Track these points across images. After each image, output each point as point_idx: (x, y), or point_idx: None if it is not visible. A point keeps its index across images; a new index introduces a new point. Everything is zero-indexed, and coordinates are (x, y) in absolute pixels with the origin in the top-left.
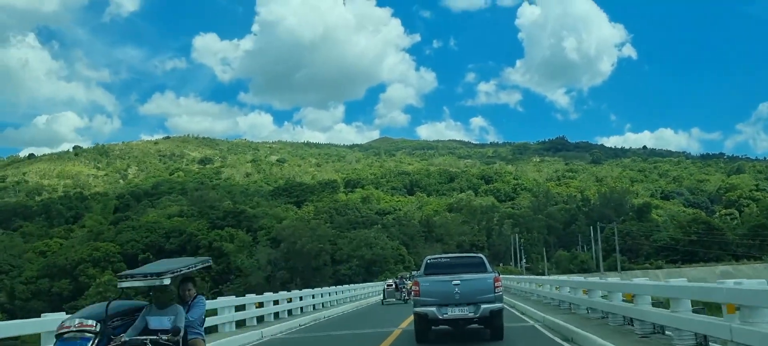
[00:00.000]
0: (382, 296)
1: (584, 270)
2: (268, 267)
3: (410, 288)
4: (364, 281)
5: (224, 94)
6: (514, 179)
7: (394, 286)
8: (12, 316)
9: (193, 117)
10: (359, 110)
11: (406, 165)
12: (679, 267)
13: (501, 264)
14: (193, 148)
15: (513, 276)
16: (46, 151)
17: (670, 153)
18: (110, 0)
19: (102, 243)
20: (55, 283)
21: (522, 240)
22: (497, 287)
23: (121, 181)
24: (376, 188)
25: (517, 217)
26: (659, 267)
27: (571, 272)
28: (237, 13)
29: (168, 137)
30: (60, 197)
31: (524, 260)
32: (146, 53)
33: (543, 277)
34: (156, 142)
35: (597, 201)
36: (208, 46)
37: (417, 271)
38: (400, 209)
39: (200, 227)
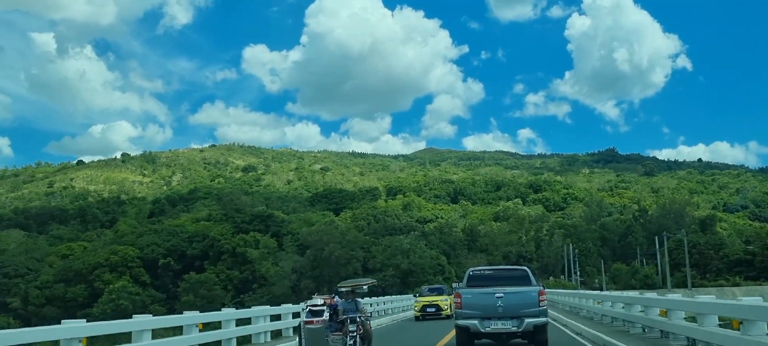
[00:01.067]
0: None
1: (647, 286)
2: (294, 276)
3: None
4: (400, 292)
5: (272, 104)
6: (564, 188)
7: (322, 310)
8: (26, 322)
9: (242, 127)
10: (406, 121)
11: (451, 174)
12: (760, 285)
13: (550, 277)
14: (238, 156)
15: (561, 290)
16: (97, 158)
17: (727, 166)
18: (164, 12)
19: (120, 247)
20: (70, 288)
21: (575, 251)
22: (542, 300)
23: (165, 187)
24: (418, 196)
25: (568, 227)
26: (736, 284)
27: (632, 287)
28: (286, 25)
29: (214, 145)
30: (97, 202)
31: (578, 274)
32: (198, 64)
33: (602, 292)
34: (201, 150)
35: (655, 212)
36: (257, 57)
37: (457, 283)
38: (442, 218)
39: (224, 231)
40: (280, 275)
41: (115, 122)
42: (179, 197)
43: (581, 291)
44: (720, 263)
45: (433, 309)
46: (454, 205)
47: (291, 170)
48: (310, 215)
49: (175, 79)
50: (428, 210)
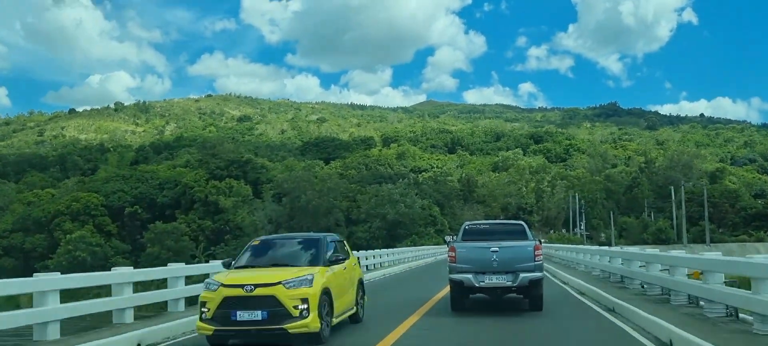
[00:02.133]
0: None
1: (661, 241)
2: (269, 226)
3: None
4: (387, 246)
5: (272, 55)
6: (566, 139)
7: None
8: None
9: (241, 78)
10: (407, 74)
11: (449, 126)
12: None
13: (552, 231)
14: (234, 106)
15: (564, 245)
16: (90, 108)
17: (730, 121)
18: None
19: (84, 194)
20: (28, 238)
21: (582, 202)
22: (537, 255)
23: (158, 137)
24: (414, 146)
25: (571, 178)
26: (760, 239)
27: (644, 242)
28: None
29: (210, 96)
30: (80, 149)
31: (583, 227)
32: (196, 14)
33: (613, 248)
34: (197, 100)
35: (663, 163)
36: (256, 6)
37: (450, 236)
38: (438, 168)
39: (197, 177)
40: (255, 226)
41: (113, 73)
42: (164, 145)
43: (587, 246)
44: (736, 217)
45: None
46: (452, 155)
47: (287, 121)
48: (294, 162)
49: (173, 29)
50: (424, 160)
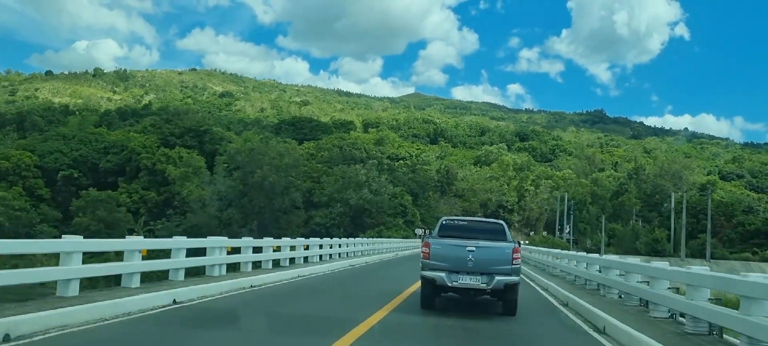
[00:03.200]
0: None
1: (656, 252)
2: (219, 203)
3: None
4: (349, 235)
5: (263, 36)
6: (552, 139)
7: None
8: None
9: (230, 56)
10: (397, 65)
11: (434, 118)
12: None
13: (532, 232)
14: (218, 82)
15: (550, 249)
16: (68, 71)
17: (713, 138)
18: None
19: (15, 152)
20: None
21: (573, 203)
22: (515, 258)
23: (134, 106)
24: (395, 132)
25: (557, 178)
26: (766, 259)
27: (636, 252)
28: None
29: (194, 70)
30: (42, 109)
31: (571, 232)
32: None
33: (605, 257)
34: (180, 73)
35: (652, 171)
36: None
37: (422, 230)
38: (416, 156)
39: (146, 143)
40: (202, 201)
41: (101, 40)
42: (132, 112)
43: (576, 253)
44: (732, 233)
45: None
46: (433, 146)
47: (269, 100)
48: (253, 134)
49: (165, 1)
50: (403, 148)
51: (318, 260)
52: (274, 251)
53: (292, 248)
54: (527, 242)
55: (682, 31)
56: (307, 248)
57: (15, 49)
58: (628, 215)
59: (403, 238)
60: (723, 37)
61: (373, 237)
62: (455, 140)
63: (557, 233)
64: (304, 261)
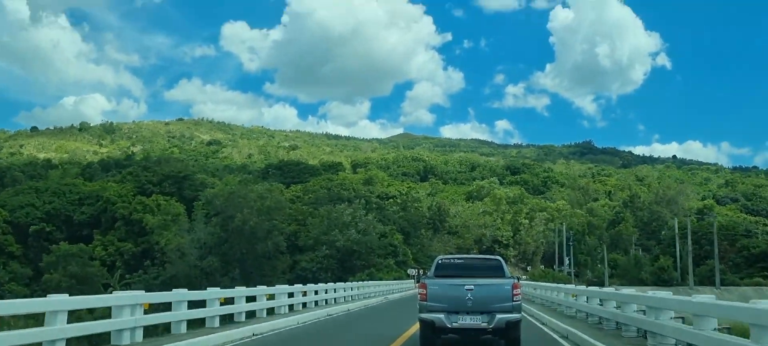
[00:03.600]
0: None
1: (663, 282)
2: (197, 251)
3: None
4: (339, 279)
5: (250, 84)
6: (544, 171)
7: None
8: None
9: (218, 105)
10: (385, 107)
11: (423, 156)
12: None
13: (529, 267)
14: (205, 131)
15: (550, 285)
16: (53, 126)
17: (702, 164)
18: None
19: None
20: None
21: (572, 232)
22: (516, 294)
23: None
24: (385, 171)
25: (551, 210)
26: None
27: (642, 282)
28: (268, 3)
29: (181, 119)
30: (24, 164)
31: (567, 263)
32: (175, 40)
33: (627, 290)
34: (167, 123)
35: (648, 198)
36: (237, 33)
37: (415, 270)
38: (406, 193)
39: (122, 192)
40: (181, 250)
41: (89, 95)
42: (114, 162)
43: (581, 287)
44: (737, 257)
45: None
46: (424, 183)
47: (257, 147)
48: (233, 179)
49: (151, 53)
50: (393, 186)
51: (286, 311)
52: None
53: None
54: (526, 277)
55: (663, 60)
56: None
57: (2, 108)
58: (626, 244)
59: (395, 279)
60: (704, 65)
61: (363, 280)
62: (446, 177)
63: (557, 266)
64: (267, 313)
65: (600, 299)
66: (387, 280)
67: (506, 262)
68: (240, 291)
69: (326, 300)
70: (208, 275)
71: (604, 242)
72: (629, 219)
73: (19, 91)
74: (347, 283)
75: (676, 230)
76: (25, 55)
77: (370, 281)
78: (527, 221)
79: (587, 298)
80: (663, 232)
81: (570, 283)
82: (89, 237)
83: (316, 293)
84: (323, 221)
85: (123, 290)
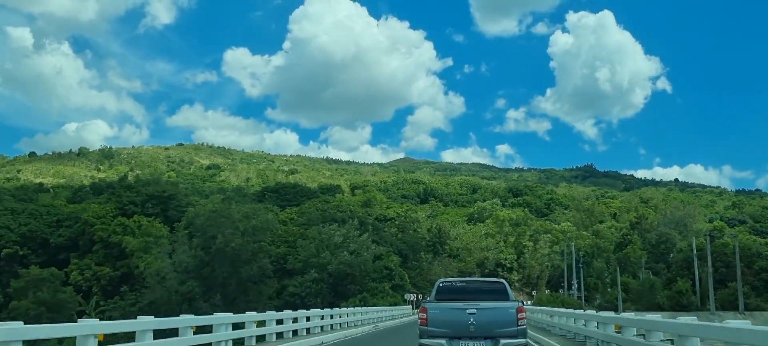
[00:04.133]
0: None
1: (681, 306)
2: (177, 275)
3: None
4: (330, 305)
5: (252, 109)
6: (547, 193)
7: None
8: None
9: (220, 131)
10: (386, 132)
11: (424, 179)
12: None
13: (534, 292)
14: (205, 156)
15: (560, 309)
16: (51, 151)
17: (704, 187)
18: (146, 12)
19: None
20: None
21: (581, 254)
22: (520, 318)
23: None
24: (384, 193)
25: (556, 232)
26: None
27: (659, 307)
28: (269, 30)
29: (181, 144)
30: (16, 188)
31: (581, 288)
32: (177, 66)
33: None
34: (166, 149)
35: (656, 220)
36: (238, 59)
37: (413, 295)
38: (405, 215)
39: (101, 213)
40: (160, 274)
41: (91, 121)
42: (107, 185)
43: (593, 312)
44: (755, 280)
45: None
46: (424, 205)
47: (256, 170)
48: (218, 197)
49: (153, 80)
50: (392, 209)
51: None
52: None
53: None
54: (530, 302)
55: (663, 84)
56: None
57: (4, 134)
58: (634, 267)
59: (391, 305)
60: (705, 89)
61: (356, 306)
62: (446, 199)
63: (566, 290)
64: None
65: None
66: (382, 305)
67: (510, 286)
68: (187, 319)
69: (295, 331)
70: (192, 301)
71: (613, 264)
72: (637, 241)
73: (21, 117)
74: (316, 310)
75: (694, 251)
76: (28, 82)
77: (355, 308)
78: (531, 244)
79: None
80: (672, 254)
81: (580, 308)
82: (67, 261)
83: (266, 324)
84: (313, 242)
85: (97, 317)
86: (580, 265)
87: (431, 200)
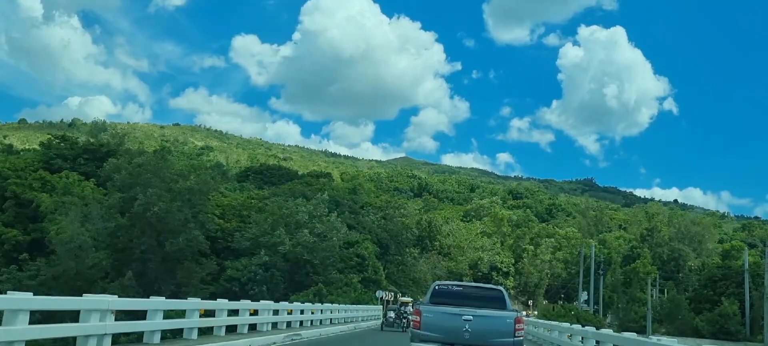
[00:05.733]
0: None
1: (726, 333)
2: (93, 245)
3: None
4: (284, 298)
5: (256, 97)
6: (549, 198)
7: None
8: None
9: (223, 116)
10: (388, 131)
11: (420, 175)
12: None
13: (529, 301)
14: (201, 138)
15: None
16: (42, 120)
17: (703, 210)
18: None
19: None
20: None
21: (600, 259)
22: (518, 329)
23: None
24: (375, 184)
25: (559, 238)
26: None
27: (697, 333)
28: (280, 19)
29: (178, 125)
30: None
31: (584, 300)
32: (185, 49)
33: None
34: (162, 127)
35: (668, 233)
36: (247, 46)
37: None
38: (392, 203)
39: (19, 165)
40: (69, 240)
41: (94, 97)
42: (81, 151)
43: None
44: None
45: None
46: (417, 199)
47: (248, 155)
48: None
49: (160, 61)
50: (382, 200)
51: None
52: None
53: None
54: (526, 312)
55: (670, 105)
56: None
57: (6, 104)
58: (641, 283)
59: (354, 302)
60: (711, 113)
61: (307, 302)
62: (442, 196)
63: (582, 302)
64: None
65: None
66: (342, 302)
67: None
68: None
69: None
70: (104, 277)
71: (617, 279)
72: (647, 256)
73: (24, 88)
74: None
75: (746, 266)
76: (35, 52)
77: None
78: (532, 248)
79: None
80: (681, 273)
81: (597, 324)
82: None
83: None
84: (268, 217)
85: None
86: (601, 272)
87: (425, 195)
